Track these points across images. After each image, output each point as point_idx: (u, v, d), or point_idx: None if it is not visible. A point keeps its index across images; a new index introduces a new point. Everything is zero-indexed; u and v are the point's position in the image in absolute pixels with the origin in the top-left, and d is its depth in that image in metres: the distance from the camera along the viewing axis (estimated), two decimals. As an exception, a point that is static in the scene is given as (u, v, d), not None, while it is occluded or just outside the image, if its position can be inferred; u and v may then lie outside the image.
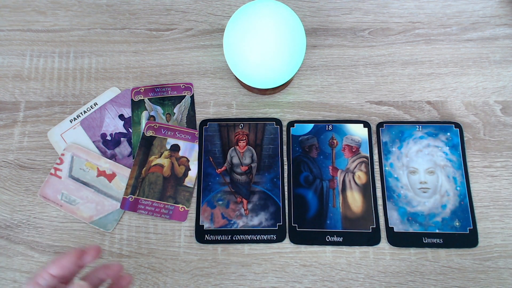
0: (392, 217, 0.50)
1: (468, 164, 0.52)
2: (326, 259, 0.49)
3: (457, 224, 0.49)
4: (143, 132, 0.54)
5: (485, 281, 0.48)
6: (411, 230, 0.49)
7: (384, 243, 0.49)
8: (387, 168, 0.52)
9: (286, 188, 0.52)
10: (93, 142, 0.54)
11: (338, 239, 0.49)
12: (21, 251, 0.50)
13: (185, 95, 0.56)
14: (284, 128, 0.54)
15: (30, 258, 0.50)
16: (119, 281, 0.38)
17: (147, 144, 0.53)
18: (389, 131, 0.53)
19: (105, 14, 0.60)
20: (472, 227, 0.49)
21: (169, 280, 0.49)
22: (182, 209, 0.51)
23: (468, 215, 0.50)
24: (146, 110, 0.55)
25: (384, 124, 0.54)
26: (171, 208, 0.51)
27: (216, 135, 0.54)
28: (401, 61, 0.57)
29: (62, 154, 0.53)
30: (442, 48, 0.57)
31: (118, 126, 0.55)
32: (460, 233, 0.49)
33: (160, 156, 0.53)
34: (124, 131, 0.55)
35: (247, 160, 0.53)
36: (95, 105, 0.55)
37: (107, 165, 0.53)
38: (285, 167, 0.52)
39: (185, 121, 0.55)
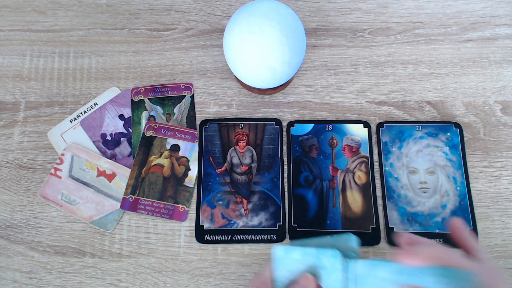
0: (392, 217, 0.50)
1: (468, 164, 0.52)
2: (326, 259, 0.49)
3: (457, 224, 0.49)
4: (143, 132, 0.54)
5: (485, 281, 0.48)
6: (411, 230, 0.49)
7: (384, 243, 0.49)
8: (387, 168, 0.52)
9: (286, 188, 0.52)
10: (93, 142, 0.54)
11: (338, 239, 0.49)
12: (21, 251, 0.50)
13: (185, 95, 0.56)
14: (284, 128, 0.54)
15: (30, 258, 0.50)
16: None
17: (147, 144, 0.53)
18: (389, 131, 0.53)
19: (105, 14, 0.60)
20: (472, 227, 0.49)
21: (169, 280, 0.49)
22: (182, 209, 0.51)
23: (468, 215, 0.50)
24: (146, 110, 0.55)
25: (384, 124, 0.54)
26: (171, 208, 0.51)
27: (216, 135, 0.54)
28: (401, 61, 0.57)
29: (62, 154, 0.53)
30: (442, 48, 0.57)
31: (118, 126, 0.55)
32: (460, 233, 0.49)
33: (160, 156, 0.53)
34: (124, 131, 0.55)
35: (247, 160, 0.53)
36: (95, 105, 0.55)
37: (107, 165, 0.53)
38: (285, 167, 0.52)
39: (185, 121, 0.55)
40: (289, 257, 0.35)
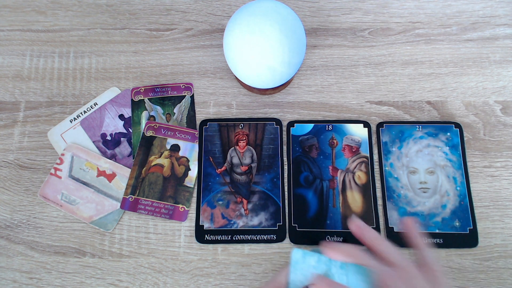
0: (392, 217, 0.50)
1: (468, 164, 0.52)
2: (326, 259, 0.49)
3: (457, 224, 0.49)
4: (143, 132, 0.54)
5: (485, 281, 0.48)
6: (411, 230, 0.49)
7: (384, 243, 0.49)
8: (387, 168, 0.52)
9: (286, 188, 0.52)
10: (93, 142, 0.54)
11: (338, 239, 0.49)
12: (21, 251, 0.50)
13: (185, 95, 0.56)
14: (284, 128, 0.54)
15: (30, 258, 0.50)
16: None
17: (147, 144, 0.53)
18: (389, 131, 0.53)
19: (105, 14, 0.60)
20: (472, 227, 0.49)
21: (169, 280, 0.49)
22: (182, 209, 0.51)
23: (468, 215, 0.50)
24: (146, 110, 0.55)
25: (384, 124, 0.54)
26: (171, 208, 0.51)
27: (216, 135, 0.54)
28: (401, 61, 0.57)
29: (62, 154, 0.53)
30: (442, 48, 0.57)
31: (118, 126, 0.55)
32: (460, 233, 0.49)
33: (160, 156, 0.53)
34: (124, 131, 0.55)
35: (247, 160, 0.53)
36: (95, 105, 0.55)
37: (107, 165, 0.53)
38: (285, 167, 0.52)
39: (185, 121, 0.55)
40: (305, 262, 0.37)
